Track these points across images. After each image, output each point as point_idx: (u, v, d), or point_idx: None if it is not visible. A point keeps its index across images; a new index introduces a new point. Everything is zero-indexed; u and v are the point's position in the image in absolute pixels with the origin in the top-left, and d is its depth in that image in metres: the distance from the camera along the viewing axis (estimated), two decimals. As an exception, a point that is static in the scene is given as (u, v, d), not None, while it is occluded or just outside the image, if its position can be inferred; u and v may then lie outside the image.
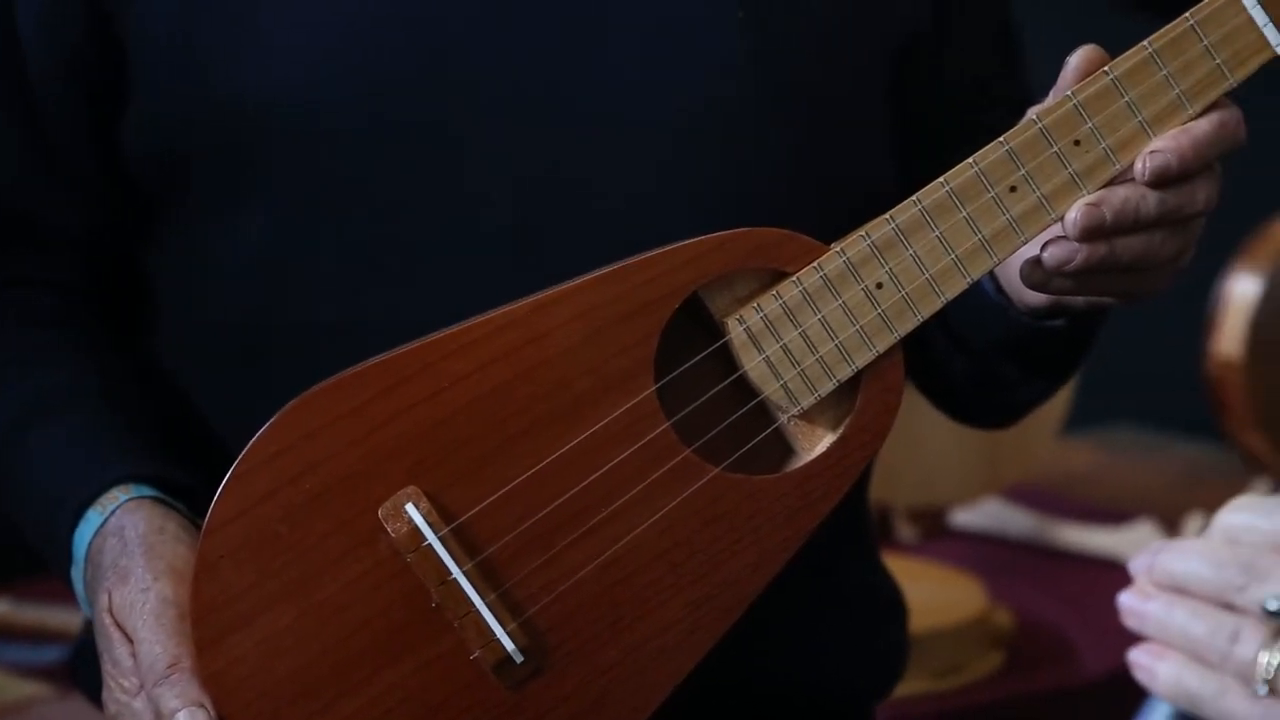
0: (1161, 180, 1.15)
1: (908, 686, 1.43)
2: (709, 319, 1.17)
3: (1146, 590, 0.92)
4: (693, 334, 1.17)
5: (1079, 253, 1.16)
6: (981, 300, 1.25)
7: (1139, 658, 0.92)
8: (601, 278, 1.15)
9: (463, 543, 1.13)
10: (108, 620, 1.15)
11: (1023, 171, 1.16)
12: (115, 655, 1.14)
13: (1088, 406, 2.29)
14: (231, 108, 1.21)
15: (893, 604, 1.37)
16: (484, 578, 1.13)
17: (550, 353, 1.14)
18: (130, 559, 1.15)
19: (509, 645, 1.13)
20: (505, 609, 1.13)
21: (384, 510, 1.13)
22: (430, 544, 1.13)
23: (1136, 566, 0.93)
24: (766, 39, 1.23)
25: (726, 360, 1.17)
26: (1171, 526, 2.21)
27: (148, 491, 1.19)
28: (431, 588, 1.13)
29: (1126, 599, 0.92)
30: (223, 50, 1.21)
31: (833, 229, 1.18)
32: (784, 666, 1.31)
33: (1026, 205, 1.16)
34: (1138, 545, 2.11)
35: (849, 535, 1.34)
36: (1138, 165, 1.15)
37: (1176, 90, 1.16)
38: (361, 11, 1.21)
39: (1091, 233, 1.15)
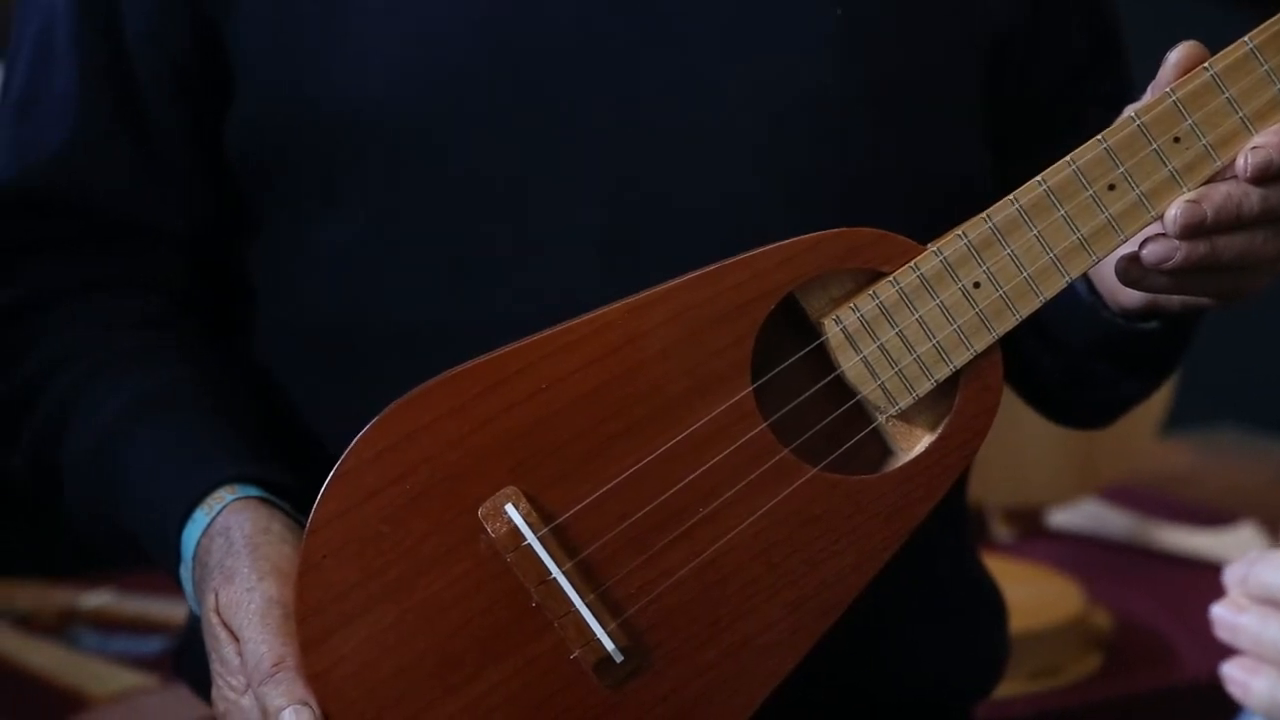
0: (1264, 176, 1.14)
1: (1005, 687, 1.42)
2: (805, 319, 1.17)
3: (1240, 602, 0.91)
4: (788, 335, 1.17)
5: (1179, 250, 1.15)
6: (1073, 299, 1.24)
7: (1233, 672, 0.90)
8: (697, 279, 1.15)
9: (562, 543, 1.14)
10: (215, 619, 1.16)
11: (1121, 170, 1.15)
12: (223, 654, 1.16)
13: (1188, 406, 2.27)
14: (324, 109, 1.23)
15: (993, 603, 1.37)
16: (583, 577, 1.14)
17: (648, 354, 1.15)
18: (236, 559, 1.17)
19: (609, 645, 1.13)
20: (605, 609, 1.14)
21: (484, 510, 1.13)
22: (530, 544, 1.13)
23: (1230, 578, 0.92)
24: (862, 35, 1.23)
25: (823, 361, 1.17)
26: (1273, 528, 2.18)
27: (253, 491, 1.20)
28: (531, 587, 1.13)
29: (1220, 611, 0.91)
30: (316, 53, 1.23)
31: (925, 224, 1.17)
32: (884, 666, 1.31)
33: (1126, 203, 1.16)
34: (1239, 547, 2.09)
35: (948, 534, 1.34)
36: (1240, 162, 1.15)
37: (1278, 86, 1.15)
38: (449, 15, 1.22)
39: (1192, 230, 1.14)
